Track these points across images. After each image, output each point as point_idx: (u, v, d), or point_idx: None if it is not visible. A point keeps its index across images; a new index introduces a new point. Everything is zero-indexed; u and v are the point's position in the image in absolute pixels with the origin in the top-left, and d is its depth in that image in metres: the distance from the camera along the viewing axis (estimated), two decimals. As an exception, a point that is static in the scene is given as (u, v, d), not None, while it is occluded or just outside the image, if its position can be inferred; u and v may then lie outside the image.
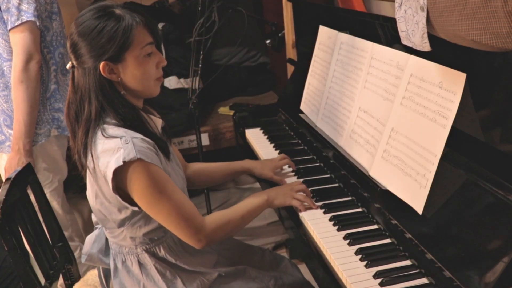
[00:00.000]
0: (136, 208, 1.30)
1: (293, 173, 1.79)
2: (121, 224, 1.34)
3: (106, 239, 1.46)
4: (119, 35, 1.25)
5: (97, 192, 1.32)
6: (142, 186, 1.24)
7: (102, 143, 1.26)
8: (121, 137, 1.24)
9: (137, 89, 1.33)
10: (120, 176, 1.24)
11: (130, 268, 1.40)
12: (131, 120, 1.30)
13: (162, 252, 1.38)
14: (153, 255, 1.38)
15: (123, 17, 1.27)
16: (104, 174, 1.25)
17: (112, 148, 1.24)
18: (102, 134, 1.27)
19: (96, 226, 1.52)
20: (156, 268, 1.37)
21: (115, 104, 1.29)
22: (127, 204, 1.29)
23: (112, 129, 1.27)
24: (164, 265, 1.38)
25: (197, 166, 1.69)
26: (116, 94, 1.30)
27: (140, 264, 1.39)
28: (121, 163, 1.21)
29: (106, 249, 1.47)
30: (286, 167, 1.80)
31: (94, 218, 1.52)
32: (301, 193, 1.53)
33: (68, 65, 1.33)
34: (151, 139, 1.30)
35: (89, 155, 1.29)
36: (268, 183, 1.84)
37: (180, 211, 1.28)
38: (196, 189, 1.92)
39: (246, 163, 1.74)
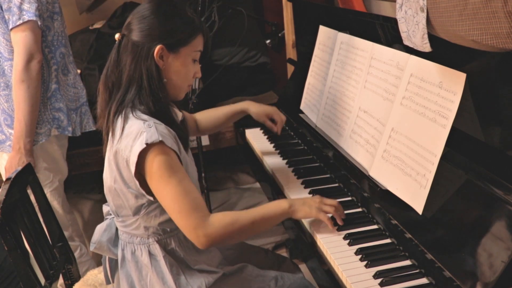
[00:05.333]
0: (151, 198, 1.31)
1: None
2: (137, 211, 1.35)
3: (116, 230, 1.47)
4: (187, 29, 1.35)
5: (116, 177, 1.33)
6: (156, 167, 1.26)
7: (127, 126, 1.30)
8: (144, 121, 1.29)
9: (171, 85, 1.39)
10: (141, 159, 1.26)
11: (139, 258, 1.40)
12: (161, 107, 1.34)
13: (172, 245, 1.39)
14: (163, 247, 1.39)
15: (194, 18, 1.38)
16: (126, 158, 1.28)
17: (134, 131, 1.27)
18: (132, 114, 1.31)
19: (106, 217, 1.52)
20: (165, 261, 1.38)
21: (154, 86, 1.34)
22: (143, 192, 1.31)
23: (139, 113, 1.32)
24: (171, 259, 1.39)
25: (203, 114, 1.82)
26: (159, 78, 1.35)
27: (150, 255, 1.39)
28: (144, 145, 1.24)
29: (115, 239, 1.47)
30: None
31: (105, 209, 1.53)
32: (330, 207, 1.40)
33: (117, 36, 1.37)
34: (174, 130, 1.34)
35: (118, 128, 1.31)
36: (268, 183, 1.84)
37: (185, 200, 1.26)
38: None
39: (245, 104, 1.87)
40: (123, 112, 1.33)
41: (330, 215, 1.40)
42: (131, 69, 1.33)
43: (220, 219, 1.28)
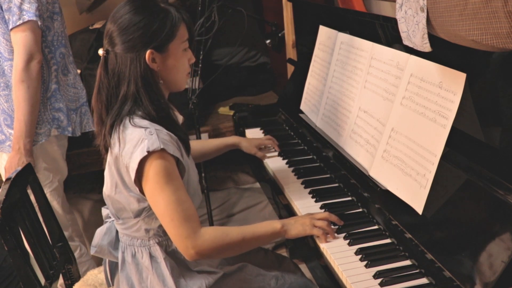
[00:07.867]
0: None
1: (279, 156, 1.94)
2: (138, 214, 1.35)
3: (117, 232, 1.47)
4: (168, 25, 1.33)
5: (117, 182, 1.33)
6: (153, 172, 1.26)
7: (128, 133, 1.30)
8: (145, 128, 1.28)
9: (171, 81, 1.39)
10: (141, 166, 1.26)
11: (139, 261, 1.40)
12: (162, 111, 1.33)
13: (173, 247, 1.39)
14: (164, 248, 1.39)
15: (169, 9, 1.34)
16: (126, 164, 1.28)
17: (135, 138, 1.27)
18: (130, 122, 1.30)
19: (106, 220, 1.52)
20: (166, 263, 1.37)
21: (153, 92, 1.33)
22: (144, 196, 1.31)
23: (138, 120, 1.31)
24: (172, 261, 1.38)
25: (194, 144, 1.77)
26: (156, 83, 1.34)
27: (151, 257, 1.39)
28: (146, 153, 1.24)
29: (115, 242, 1.47)
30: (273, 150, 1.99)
31: (104, 212, 1.53)
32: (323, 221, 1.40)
33: (101, 52, 1.35)
34: (175, 134, 1.33)
35: (116, 140, 1.31)
36: (268, 183, 1.84)
37: (179, 208, 1.26)
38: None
39: (235, 139, 1.94)
40: (121, 123, 1.32)
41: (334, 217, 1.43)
42: (124, 82, 1.32)
43: (210, 232, 1.29)
